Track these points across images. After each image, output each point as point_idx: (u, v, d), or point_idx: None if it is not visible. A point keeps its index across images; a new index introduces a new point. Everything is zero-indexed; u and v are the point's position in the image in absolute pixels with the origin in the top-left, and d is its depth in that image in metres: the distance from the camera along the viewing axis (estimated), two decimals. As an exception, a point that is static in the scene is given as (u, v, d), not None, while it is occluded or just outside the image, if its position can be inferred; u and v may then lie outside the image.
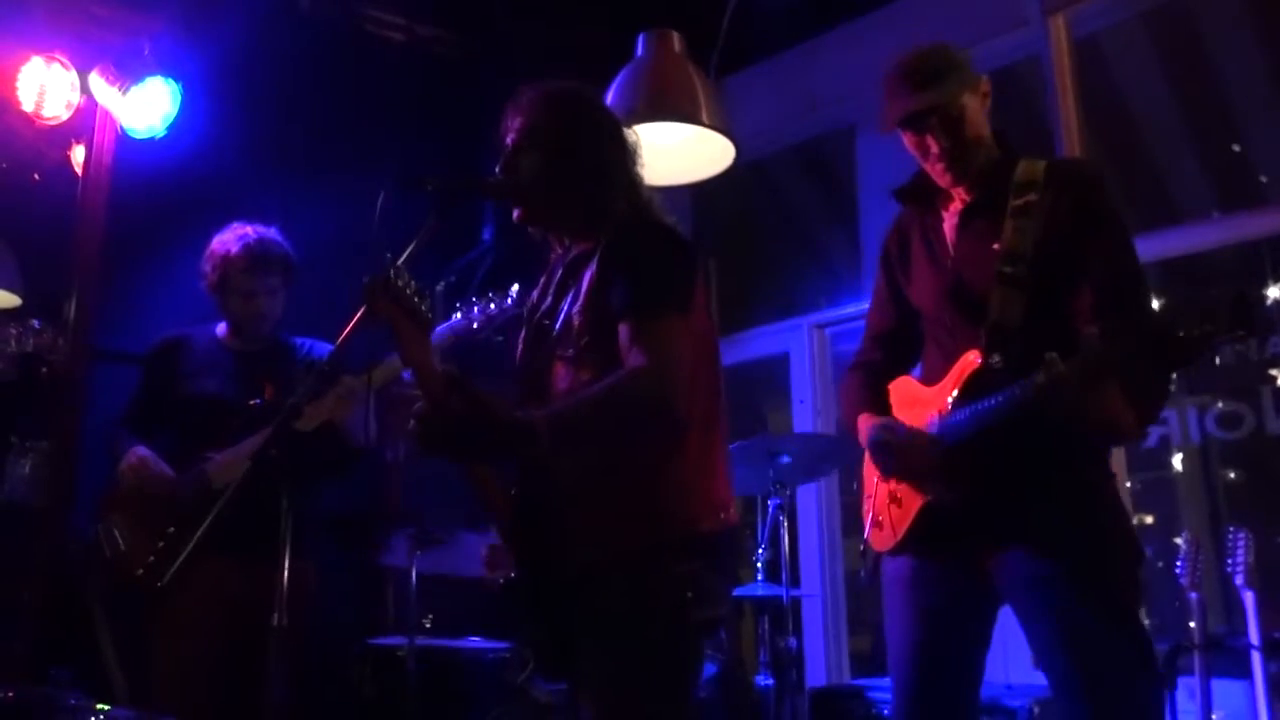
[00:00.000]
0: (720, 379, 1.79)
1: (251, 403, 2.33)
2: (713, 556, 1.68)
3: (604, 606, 1.61)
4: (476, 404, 1.58)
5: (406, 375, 2.58)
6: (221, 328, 2.93)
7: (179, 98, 3.48)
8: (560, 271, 1.84)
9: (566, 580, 1.65)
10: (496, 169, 1.84)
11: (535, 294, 1.90)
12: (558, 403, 1.70)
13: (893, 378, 2.03)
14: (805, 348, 4.72)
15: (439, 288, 3.62)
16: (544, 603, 1.68)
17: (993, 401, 1.74)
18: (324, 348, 2.87)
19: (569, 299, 1.77)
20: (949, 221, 1.97)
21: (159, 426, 2.80)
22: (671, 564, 1.62)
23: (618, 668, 1.60)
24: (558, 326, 1.77)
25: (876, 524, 2.01)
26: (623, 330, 1.65)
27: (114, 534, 2.67)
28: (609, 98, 2.91)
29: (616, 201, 1.78)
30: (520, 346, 1.89)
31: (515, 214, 1.84)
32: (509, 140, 1.83)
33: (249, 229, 2.87)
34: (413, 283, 1.75)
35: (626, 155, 1.84)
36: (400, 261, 1.76)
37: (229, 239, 2.85)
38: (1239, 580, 2.88)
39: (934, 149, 1.90)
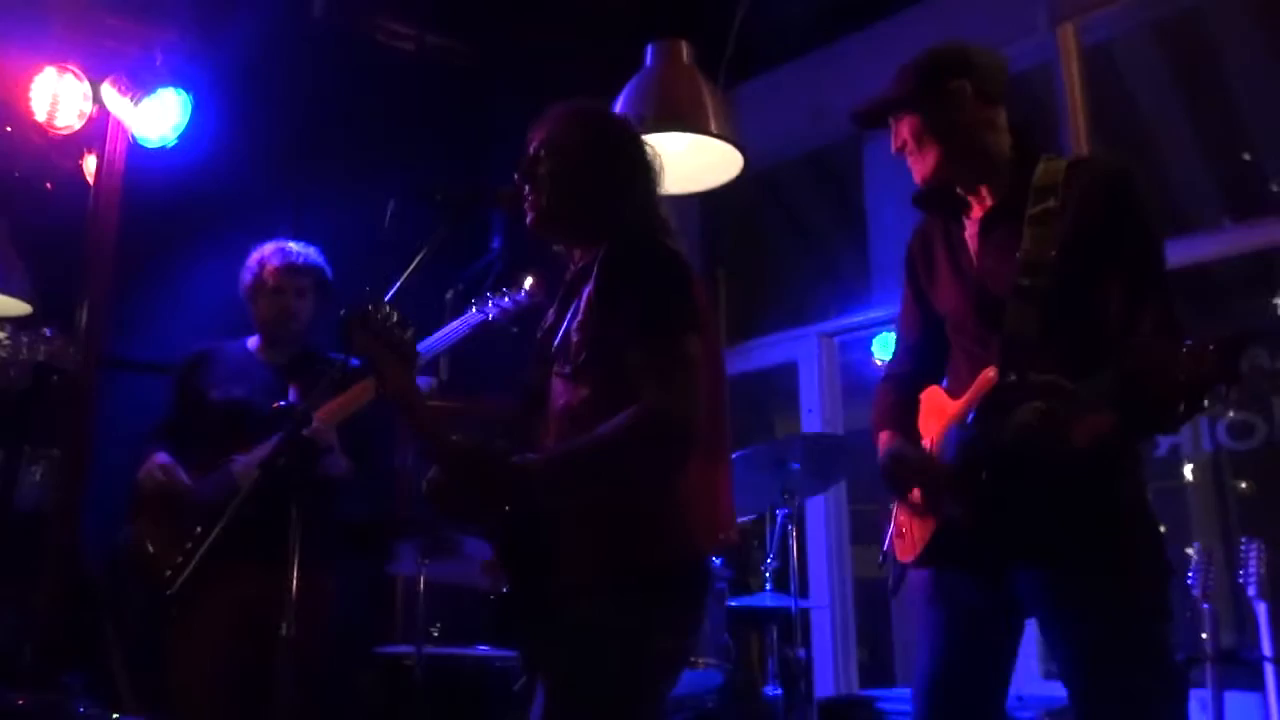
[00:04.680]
0: (724, 399, 1.78)
1: (275, 405, 2.35)
2: (690, 584, 1.69)
3: (579, 620, 1.61)
4: (484, 471, 1.62)
5: (422, 382, 2.60)
6: (253, 341, 2.96)
7: (190, 108, 3.51)
8: (566, 287, 1.86)
9: (552, 596, 1.65)
10: (515, 175, 1.86)
11: (550, 312, 1.91)
12: (564, 440, 1.69)
13: (924, 387, 2.01)
14: (813, 357, 4.72)
15: (448, 295, 3.63)
16: (528, 616, 1.69)
17: (980, 432, 1.74)
18: (353, 363, 2.87)
19: (569, 314, 1.78)
20: (970, 229, 1.95)
21: (189, 437, 2.82)
22: (648, 588, 1.62)
23: (576, 676, 1.62)
24: (557, 341, 1.78)
25: (899, 534, 1.99)
26: (633, 356, 1.64)
27: (143, 539, 2.69)
28: (618, 107, 2.92)
29: (626, 214, 1.79)
30: (529, 362, 1.89)
31: (528, 220, 1.85)
32: (531, 150, 1.85)
33: (290, 242, 2.96)
34: (394, 314, 1.72)
35: (644, 173, 1.85)
36: (409, 272, 1.77)
37: (267, 247, 2.96)
38: (1251, 592, 2.86)
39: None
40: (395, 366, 1.71)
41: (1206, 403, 1.46)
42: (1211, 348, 1.42)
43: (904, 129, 1.95)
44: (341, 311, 1.70)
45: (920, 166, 1.94)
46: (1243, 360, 1.42)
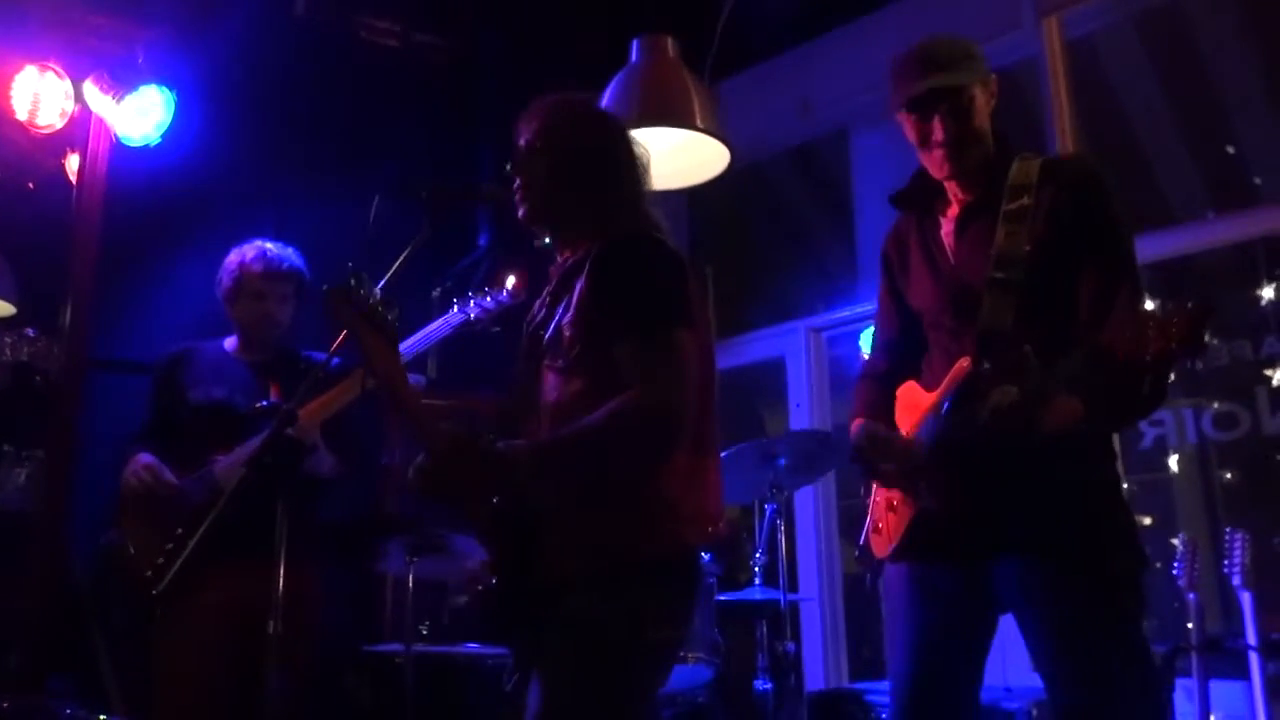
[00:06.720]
0: (713, 394, 1.79)
1: (257, 405, 2.34)
2: (682, 576, 1.70)
3: (572, 614, 1.62)
4: (475, 456, 1.60)
5: (413, 381, 2.60)
6: (231, 341, 2.94)
7: (173, 105, 3.49)
8: (555, 282, 1.85)
9: (542, 589, 1.65)
10: (508, 167, 1.85)
11: (535, 305, 1.91)
12: (554, 431, 1.69)
13: (900, 383, 2.03)
14: (801, 351, 4.72)
15: (435, 293, 3.63)
16: (517, 610, 1.69)
17: (955, 419, 1.75)
18: (335, 362, 2.87)
19: (561, 308, 1.77)
20: (946, 226, 1.96)
21: (170, 439, 2.80)
22: (640, 581, 1.63)
23: (572, 670, 1.61)
24: (548, 335, 1.78)
25: (875, 529, 2.00)
26: (624, 349, 1.64)
27: (126, 541, 2.67)
28: (604, 102, 2.92)
29: (618, 211, 1.79)
30: (518, 357, 1.89)
31: (520, 212, 1.84)
32: (522, 142, 1.84)
33: (268, 244, 2.92)
34: (377, 292, 1.71)
35: (634, 168, 1.85)
36: (394, 270, 1.76)
37: (247, 249, 2.91)
38: (1236, 581, 2.88)
39: (937, 135, 1.88)
40: (379, 344, 1.71)
41: (1172, 377, 1.47)
42: (1176, 319, 1.43)
43: (947, 117, 1.86)
44: (324, 286, 1.69)
45: (955, 156, 1.88)
46: (1205, 332, 1.43)
